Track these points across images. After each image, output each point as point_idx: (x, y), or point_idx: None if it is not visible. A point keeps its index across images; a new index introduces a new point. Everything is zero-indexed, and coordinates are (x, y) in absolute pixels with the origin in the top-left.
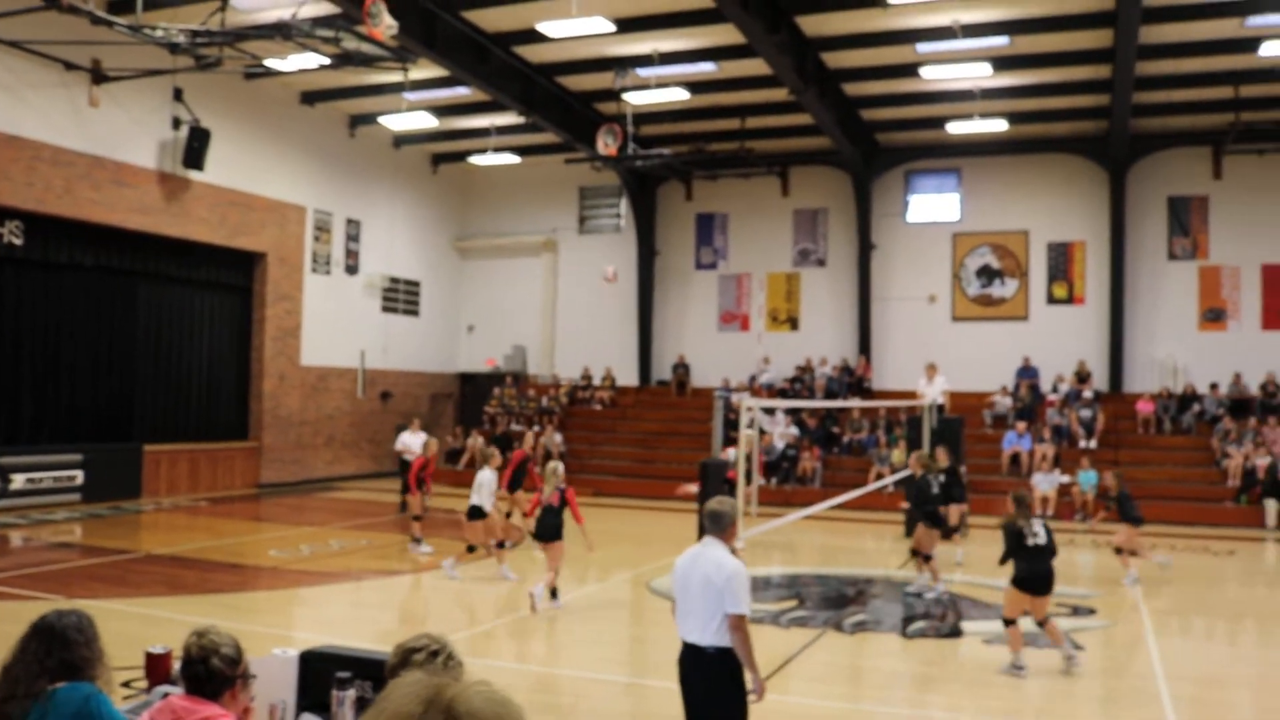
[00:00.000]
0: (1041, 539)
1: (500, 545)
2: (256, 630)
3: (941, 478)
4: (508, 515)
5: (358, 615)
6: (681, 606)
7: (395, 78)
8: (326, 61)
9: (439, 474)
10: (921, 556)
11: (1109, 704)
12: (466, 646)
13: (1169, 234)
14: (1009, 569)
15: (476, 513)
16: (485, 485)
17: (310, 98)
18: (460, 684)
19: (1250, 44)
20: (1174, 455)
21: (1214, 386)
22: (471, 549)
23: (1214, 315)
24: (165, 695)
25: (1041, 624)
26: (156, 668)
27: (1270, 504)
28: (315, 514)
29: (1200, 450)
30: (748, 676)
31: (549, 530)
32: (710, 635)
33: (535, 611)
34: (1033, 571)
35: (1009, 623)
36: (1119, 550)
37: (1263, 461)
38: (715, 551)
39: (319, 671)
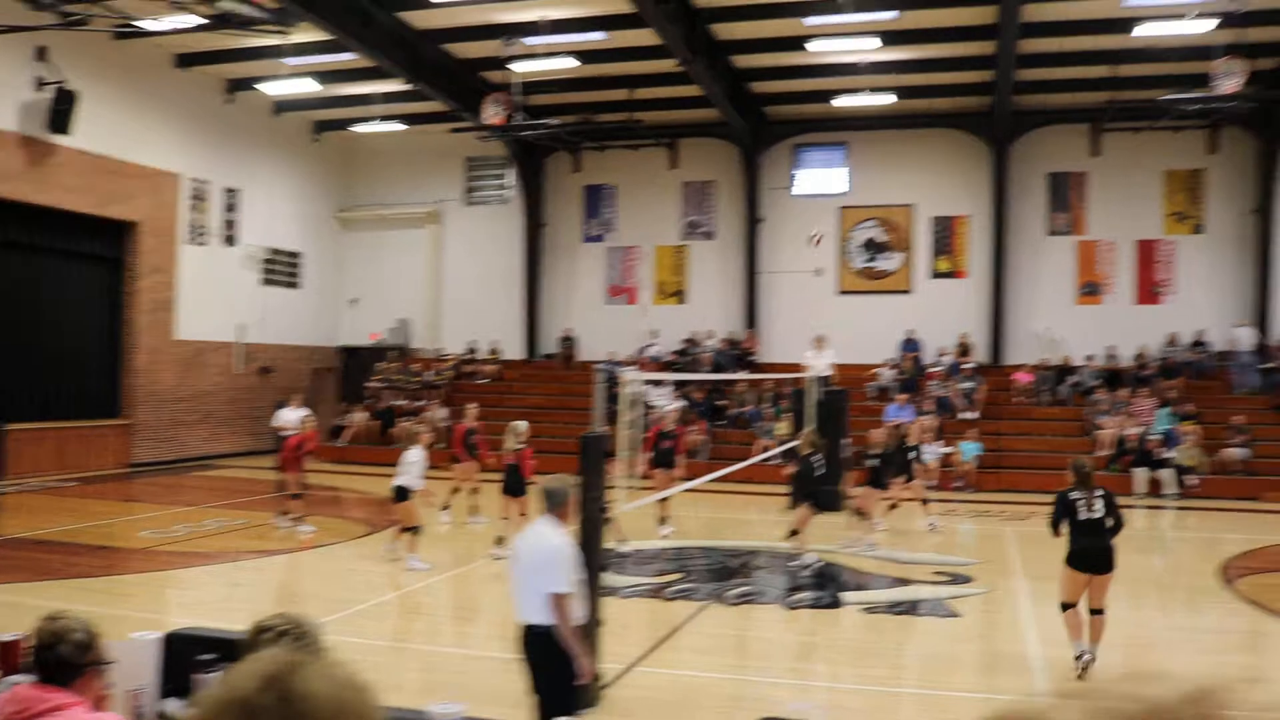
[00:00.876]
0: (1099, 512)
1: (415, 530)
2: (125, 615)
3: (819, 457)
4: (456, 490)
5: (233, 597)
6: (515, 585)
7: (275, 41)
8: (202, 22)
9: (321, 450)
10: (858, 513)
11: (985, 671)
12: (345, 626)
13: (1049, 209)
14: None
15: (402, 493)
16: (414, 465)
17: (185, 60)
18: (305, 664)
19: (1126, 24)
20: (1051, 425)
21: (1090, 358)
22: (414, 530)
23: (1091, 289)
24: (14, 684)
25: (1097, 612)
26: (6, 656)
27: (1140, 472)
28: (190, 493)
29: (1076, 420)
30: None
31: (515, 486)
32: (538, 613)
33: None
34: (1084, 547)
35: (1066, 607)
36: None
37: (1133, 431)
38: (545, 530)
39: (183, 654)
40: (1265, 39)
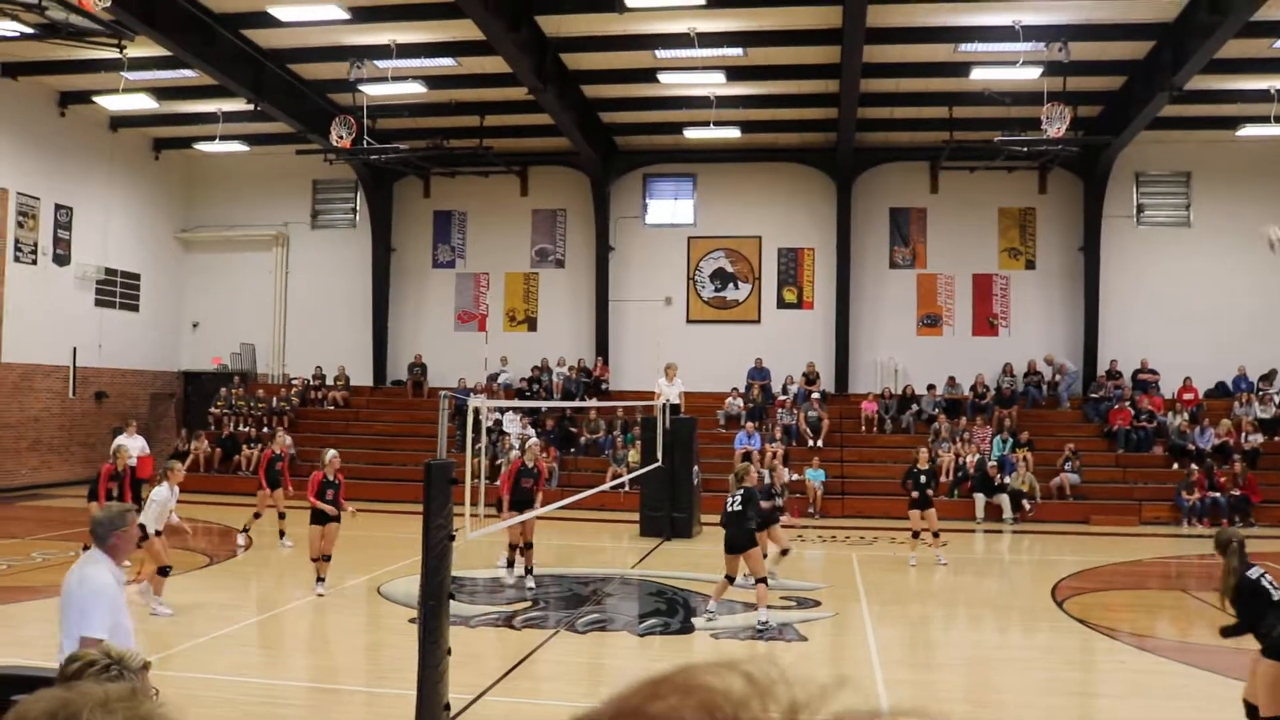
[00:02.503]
0: (738, 506)
1: (163, 572)
2: None
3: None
4: (256, 516)
5: (50, 632)
6: (60, 625)
7: (111, 54)
8: (30, 31)
9: (160, 479)
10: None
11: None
12: (183, 660)
13: (891, 243)
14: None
15: (143, 533)
16: (155, 504)
17: (12, 70)
18: (100, 702)
19: (962, 68)
20: (894, 452)
21: (930, 387)
22: (163, 571)
23: (931, 321)
24: None
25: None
26: None
27: (979, 498)
28: (17, 524)
29: (916, 448)
30: None
31: (321, 516)
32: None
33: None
34: (727, 535)
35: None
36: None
37: (973, 458)
38: (87, 567)
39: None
40: (1088, 88)
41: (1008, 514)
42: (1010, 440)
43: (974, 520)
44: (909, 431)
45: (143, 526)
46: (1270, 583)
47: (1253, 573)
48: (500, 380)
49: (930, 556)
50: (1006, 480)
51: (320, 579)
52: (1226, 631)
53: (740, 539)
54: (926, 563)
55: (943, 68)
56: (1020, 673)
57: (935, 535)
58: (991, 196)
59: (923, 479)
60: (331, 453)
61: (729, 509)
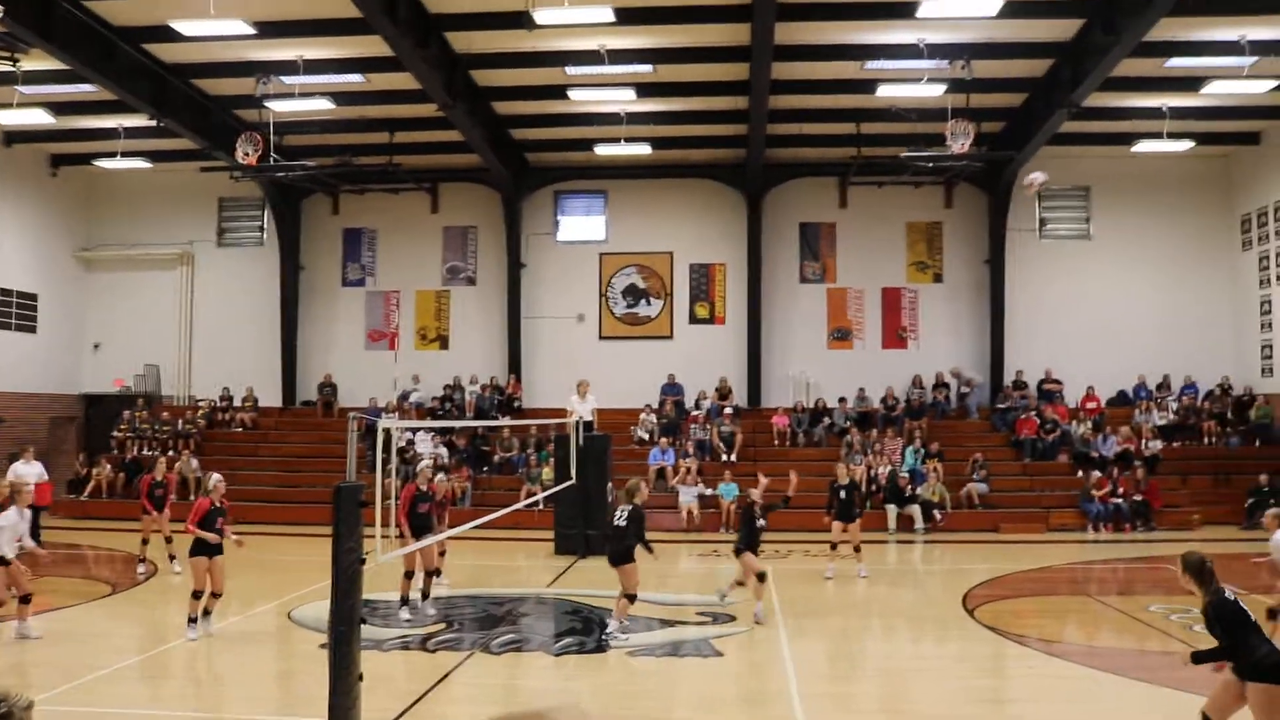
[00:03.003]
0: (622, 522)
1: (25, 600)
2: None
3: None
4: (145, 541)
5: None
6: None
7: (4, 67)
8: None
9: (59, 506)
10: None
11: (747, 705)
12: (80, 695)
13: (801, 258)
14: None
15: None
16: (5, 528)
17: None
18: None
19: (869, 85)
20: (806, 465)
21: (842, 400)
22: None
23: (841, 334)
24: None
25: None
26: None
27: (890, 509)
28: None
29: (830, 460)
30: None
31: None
32: None
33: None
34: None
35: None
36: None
37: (884, 470)
38: None
39: None
40: (991, 104)
41: (919, 524)
42: (921, 451)
43: (886, 531)
44: (821, 445)
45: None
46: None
47: (1229, 594)
48: (412, 399)
49: (849, 569)
50: (918, 491)
51: (201, 616)
52: (1200, 657)
53: (618, 554)
54: (844, 575)
55: (850, 84)
56: (934, 682)
57: (856, 549)
58: (899, 211)
59: (842, 493)
60: (216, 477)
61: (615, 523)
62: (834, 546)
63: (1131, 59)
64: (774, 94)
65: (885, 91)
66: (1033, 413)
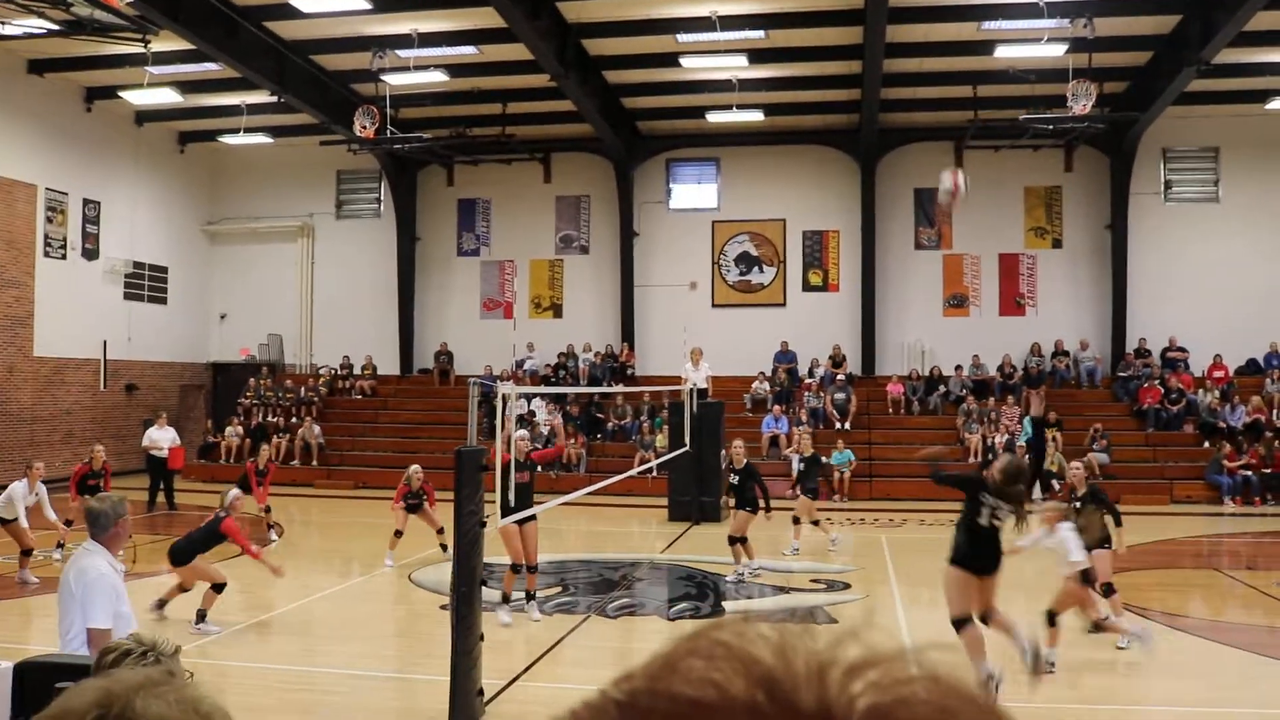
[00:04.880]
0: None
1: (25, 554)
2: None
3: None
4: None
5: None
6: (59, 618)
7: (135, 49)
8: (56, 27)
9: (190, 469)
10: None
11: None
12: (216, 648)
13: (916, 224)
14: None
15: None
16: (9, 498)
17: (39, 66)
18: (145, 686)
19: (986, 46)
20: (921, 435)
21: (958, 369)
22: (26, 553)
23: (957, 301)
24: None
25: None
26: None
27: None
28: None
29: (945, 429)
30: None
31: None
32: (71, 648)
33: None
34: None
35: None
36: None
37: (1001, 439)
38: (86, 558)
39: (38, 683)
40: (1113, 64)
41: (1037, 494)
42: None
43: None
44: (937, 413)
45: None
46: None
47: None
48: (527, 367)
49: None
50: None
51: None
52: None
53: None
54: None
55: (966, 46)
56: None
57: (814, 523)
58: (1017, 175)
59: (801, 465)
60: (234, 493)
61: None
62: (796, 520)
63: (1267, 11)
64: (888, 57)
65: (1003, 52)
66: (1156, 381)
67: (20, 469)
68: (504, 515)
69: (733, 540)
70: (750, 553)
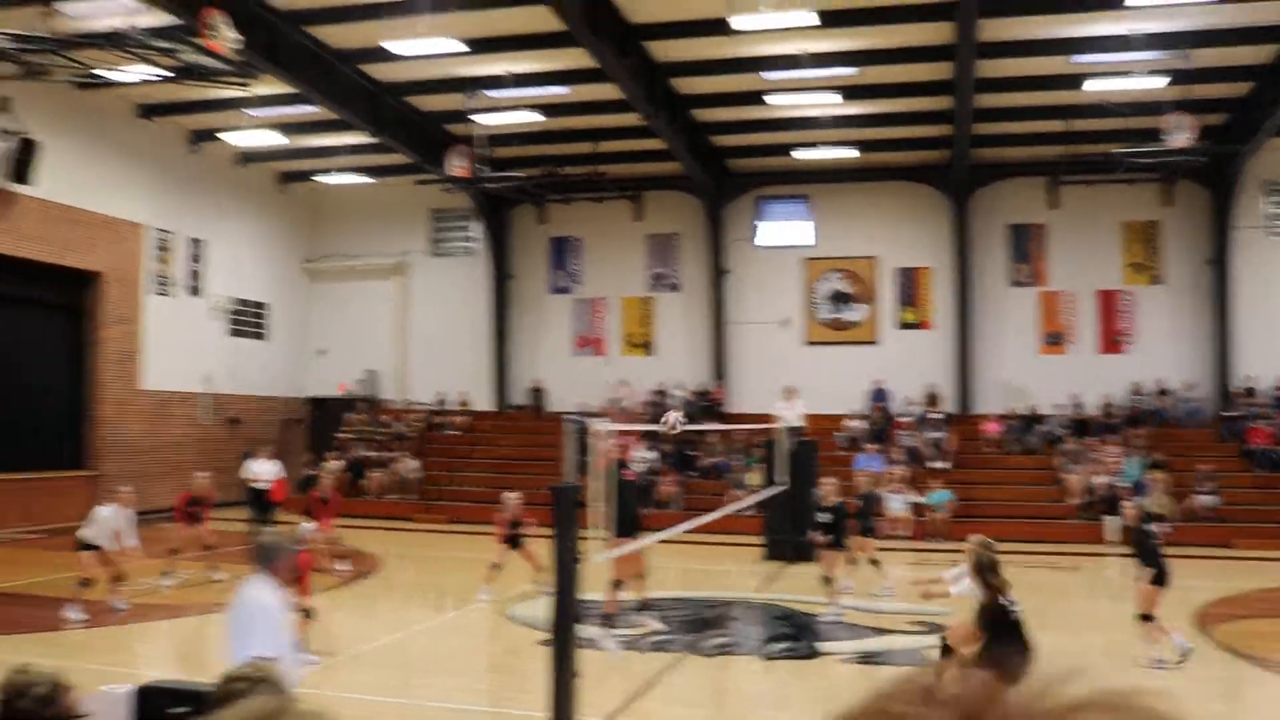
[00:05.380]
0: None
1: (83, 584)
2: (95, 668)
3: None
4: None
5: (202, 650)
6: (227, 645)
7: (237, 93)
8: (165, 74)
9: (291, 503)
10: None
11: None
12: (318, 678)
13: (1010, 260)
14: None
15: (81, 544)
16: (102, 521)
17: (148, 111)
18: (289, 711)
19: (1077, 80)
20: (1019, 474)
21: (1057, 407)
22: (85, 583)
23: (1054, 339)
24: None
25: None
26: None
27: (1110, 521)
28: (158, 545)
29: (1044, 469)
30: None
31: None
32: None
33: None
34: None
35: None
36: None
37: (1101, 480)
38: (254, 590)
39: (155, 706)
40: (1213, 95)
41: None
42: (1143, 460)
43: (1104, 544)
44: (1035, 453)
45: (82, 540)
46: None
47: None
48: (620, 404)
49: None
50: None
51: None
52: None
53: None
54: (1059, 588)
55: (1057, 80)
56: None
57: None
58: (1113, 210)
59: (828, 517)
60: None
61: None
62: (875, 563)
63: None
64: (978, 92)
65: (1094, 85)
66: (1264, 421)
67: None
68: (623, 529)
69: (826, 579)
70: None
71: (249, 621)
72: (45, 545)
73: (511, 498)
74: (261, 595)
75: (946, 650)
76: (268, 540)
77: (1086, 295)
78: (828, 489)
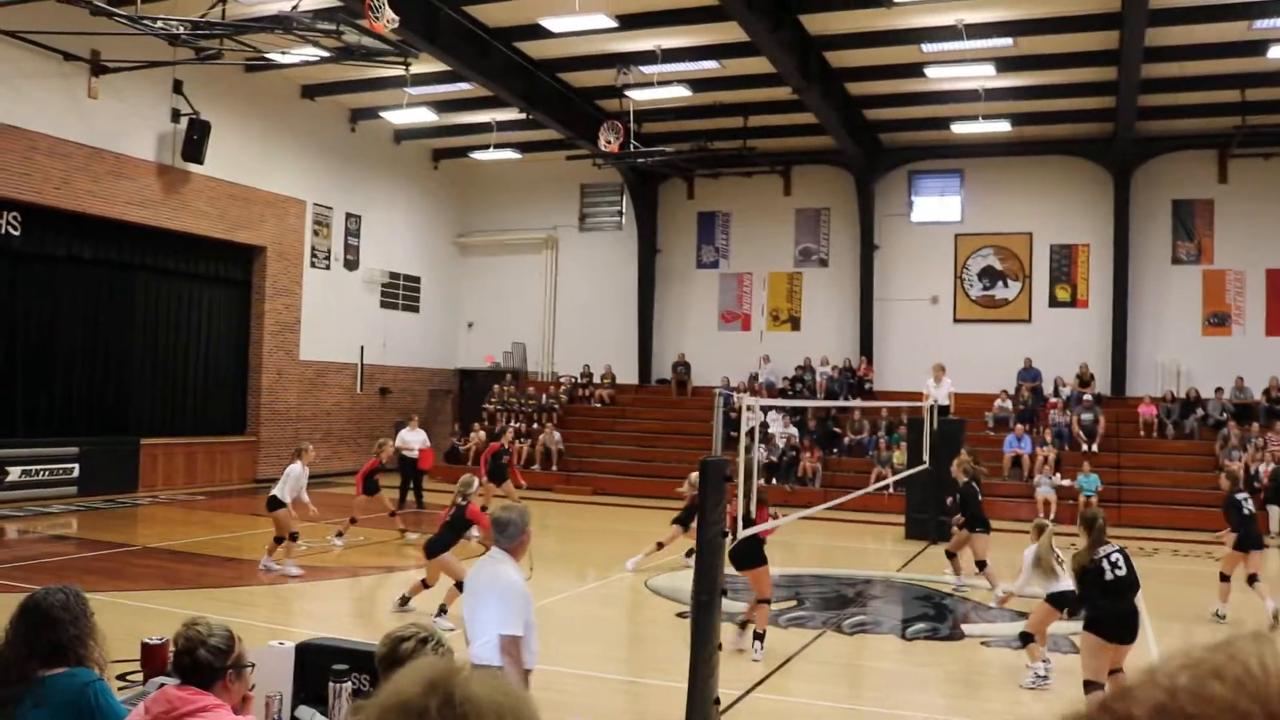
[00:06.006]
0: (1123, 570)
1: (293, 538)
2: (254, 624)
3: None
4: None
5: (355, 609)
6: (465, 622)
7: (396, 72)
8: (327, 55)
9: (438, 470)
10: (976, 564)
11: None
12: (454, 643)
13: (1173, 238)
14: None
15: (274, 503)
16: (291, 478)
17: (311, 91)
18: (465, 670)
19: (1257, 47)
20: (1176, 459)
21: (1218, 391)
22: (291, 537)
23: (1218, 320)
24: (161, 685)
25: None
26: (152, 658)
27: (1274, 510)
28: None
29: (1203, 455)
30: None
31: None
32: (486, 654)
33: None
34: (1114, 612)
35: (1091, 685)
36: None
37: (1266, 467)
38: (495, 565)
39: (315, 663)
40: None
41: None
42: None
43: (1268, 534)
44: (1193, 437)
45: (275, 498)
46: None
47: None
48: (762, 380)
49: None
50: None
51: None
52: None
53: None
54: (1209, 577)
55: (1234, 47)
56: None
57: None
58: None
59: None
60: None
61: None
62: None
63: None
64: (1146, 62)
65: (1277, 53)
66: None
67: (287, 462)
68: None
69: (980, 564)
70: (957, 568)
71: (497, 599)
72: (208, 506)
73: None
74: (507, 572)
75: (1027, 638)
76: (505, 515)
77: (1256, 274)
78: (954, 469)
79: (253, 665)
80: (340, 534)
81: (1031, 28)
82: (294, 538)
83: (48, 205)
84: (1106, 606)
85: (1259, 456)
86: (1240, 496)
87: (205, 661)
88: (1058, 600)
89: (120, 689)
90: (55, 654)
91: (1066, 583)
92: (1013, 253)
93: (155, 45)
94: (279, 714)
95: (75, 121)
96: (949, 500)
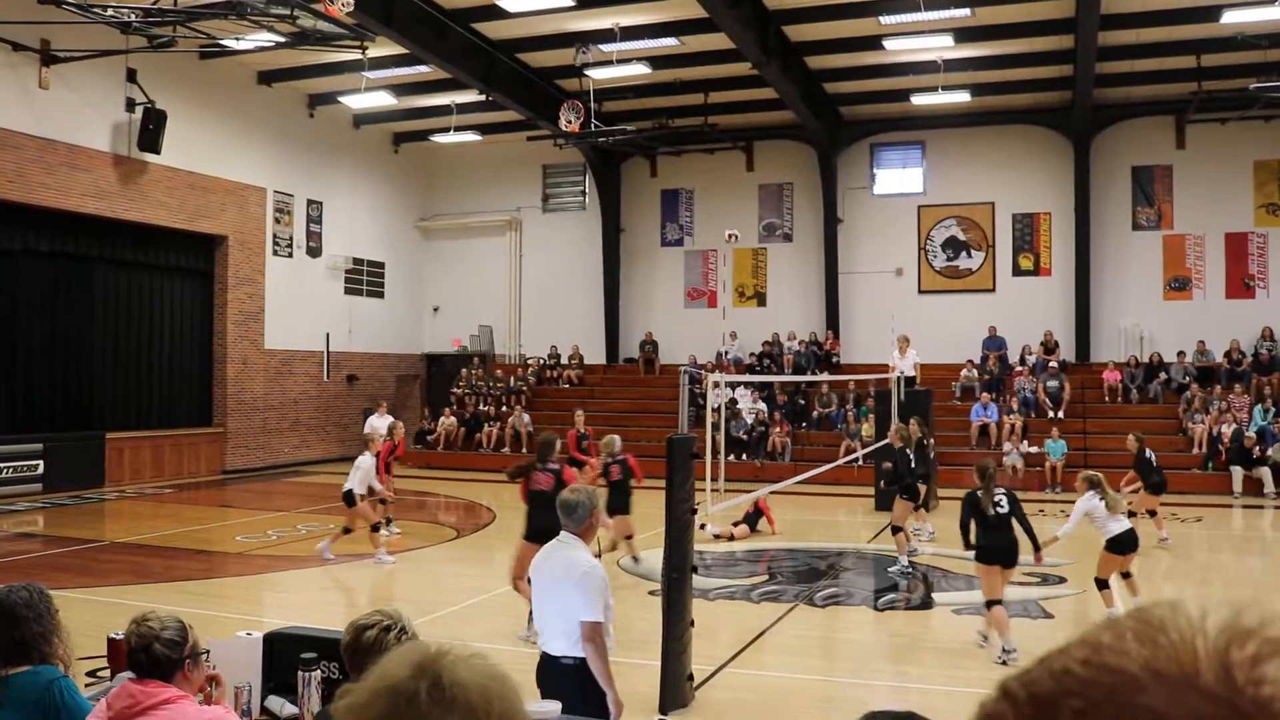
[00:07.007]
0: (1004, 509)
1: (375, 529)
2: (224, 616)
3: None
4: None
5: (326, 599)
6: (536, 612)
7: (353, 56)
8: (283, 40)
9: (409, 456)
10: (892, 529)
11: None
12: (439, 626)
13: (1133, 204)
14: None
15: (349, 498)
16: (361, 471)
17: (268, 77)
18: (453, 653)
19: (1212, 12)
20: (1141, 424)
21: (1180, 354)
22: (373, 528)
23: (1179, 284)
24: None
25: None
26: (119, 654)
27: (1236, 471)
28: (282, 499)
29: (1167, 418)
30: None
31: (612, 505)
32: (562, 645)
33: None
34: (991, 543)
35: (991, 604)
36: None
37: (1228, 429)
38: (568, 550)
39: (284, 653)
40: None
41: (1269, 488)
42: (1272, 410)
43: (1231, 495)
44: (1157, 401)
45: (350, 493)
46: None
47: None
48: (729, 356)
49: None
50: (1268, 452)
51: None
52: None
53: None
54: (1183, 540)
55: (1190, 13)
56: None
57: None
58: (1246, 149)
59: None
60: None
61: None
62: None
63: None
64: (1103, 29)
65: (1232, 17)
66: None
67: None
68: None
69: (895, 529)
70: (899, 545)
71: (575, 586)
72: (176, 499)
73: (609, 441)
74: (583, 556)
75: (1103, 585)
76: (573, 498)
77: (1215, 238)
78: (891, 434)
79: (207, 651)
80: (389, 519)
81: None
82: (375, 528)
83: (1, 199)
84: (993, 538)
85: (1221, 418)
86: (1149, 454)
87: (161, 656)
88: (1117, 545)
89: (88, 685)
90: (19, 652)
91: (1125, 522)
92: (975, 223)
93: (107, 34)
94: (248, 704)
95: (26, 113)
96: (885, 465)
